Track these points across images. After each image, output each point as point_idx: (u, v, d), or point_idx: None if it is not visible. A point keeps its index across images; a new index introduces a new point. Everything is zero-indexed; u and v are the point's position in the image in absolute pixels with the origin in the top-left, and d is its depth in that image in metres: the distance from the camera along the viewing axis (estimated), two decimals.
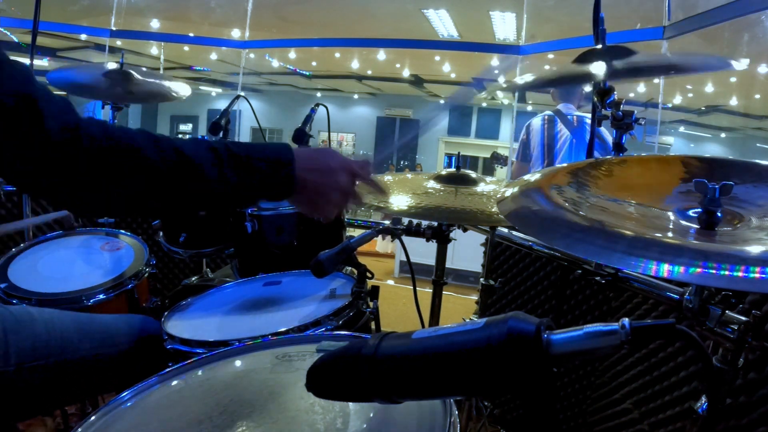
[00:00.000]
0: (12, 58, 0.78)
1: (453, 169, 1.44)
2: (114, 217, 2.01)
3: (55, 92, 0.81)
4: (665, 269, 0.56)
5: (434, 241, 1.47)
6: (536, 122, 3.31)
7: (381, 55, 10.39)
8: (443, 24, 8.54)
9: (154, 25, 8.18)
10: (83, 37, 8.14)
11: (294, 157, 0.93)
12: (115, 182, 0.84)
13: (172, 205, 0.95)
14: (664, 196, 0.83)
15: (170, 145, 0.86)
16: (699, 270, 0.56)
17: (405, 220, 1.38)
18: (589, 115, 3.17)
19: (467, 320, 0.61)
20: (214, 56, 9.97)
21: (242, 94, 2.51)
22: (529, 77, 1.23)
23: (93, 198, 0.86)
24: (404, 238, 1.40)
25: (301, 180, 0.93)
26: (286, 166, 0.92)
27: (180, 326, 1.21)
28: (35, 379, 1.08)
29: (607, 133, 2.82)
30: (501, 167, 3.91)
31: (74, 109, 0.82)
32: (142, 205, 0.91)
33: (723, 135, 11.20)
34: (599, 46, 1.16)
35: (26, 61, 2.48)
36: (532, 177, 0.93)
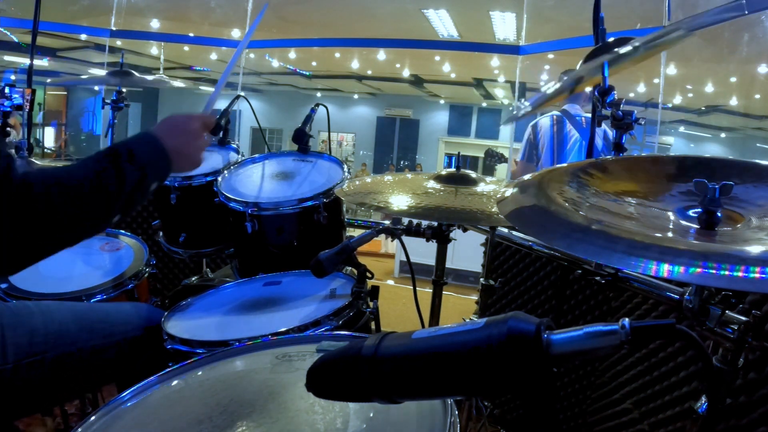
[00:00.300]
0: None
1: (453, 169, 1.44)
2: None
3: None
4: (665, 269, 0.56)
5: (434, 241, 1.47)
6: (545, 122, 3.19)
7: (381, 55, 10.39)
8: (443, 24, 8.54)
9: (154, 25, 8.19)
10: (83, 37, 8.14)
11: (170, 163, 1.06)
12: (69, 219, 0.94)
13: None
14: (664, 196, 0.83)
15: (87, 180, 0.95)
16: (699, 270, 0.55)
17: (405, 220, 1.38)
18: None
19: (467, 320, 0.61)
20: (214, 56, 9.97)
21: (242, 94, 2.50)
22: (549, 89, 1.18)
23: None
24: (404, 238, 1.40)
25: (176, 160, 1.08)
26: (166, 168, 1.07)
27: (180, 326, 1.21)
28: (33, 375, 1.08)
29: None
30: (497, 164, 3.82)
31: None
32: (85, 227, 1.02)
33: (723, 135, 11.20)
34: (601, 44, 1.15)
35: (26, 61, 2.48)
36: (533, 177, 0.93)
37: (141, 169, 1.00)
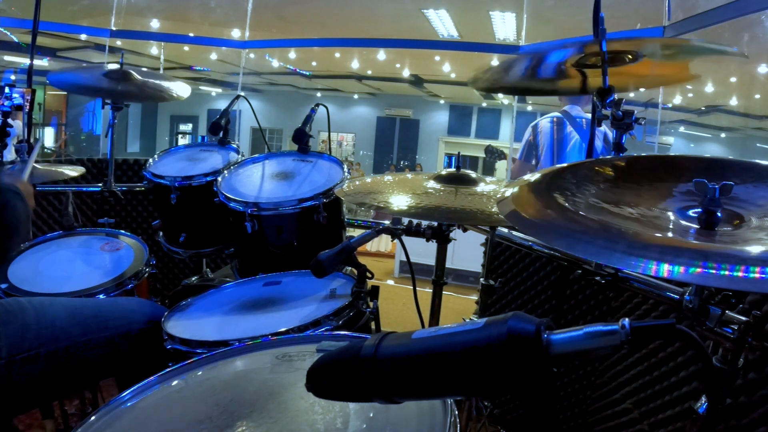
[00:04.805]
0: None
1: (453, 169, 1.44)
2: None
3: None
4: (665, 269, 0.56)
5: (434, 241, 1.47)
6: (545, 123, 3.20)
7: (381, 55, 10.39)
8: (443, 24, 8.54)
9: (154, 25, 8.18)
10: (83, 37, 8.14)
11: None
12: None
13: None
14: (664, 195, 0.83)
15: None
16: (699, 270, 0.55)
17: (405, 220, 1.38)
18: None
19: (467, 320, 0.61)
20: (214, 56, 9.98)
21: (242, 94, 2.51)
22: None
23: None
24: (404, 238, 1.40)
25: None
26: None
27: (180, 326, 1.21)
28: (28, 370, 1.08)
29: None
30: (497, 161, 3.77)
31: None
32: None
33: (723, 135, 11.18)
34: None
35: (26, 61, 2.48)
36: (532, 177, 0.93)
37: None
